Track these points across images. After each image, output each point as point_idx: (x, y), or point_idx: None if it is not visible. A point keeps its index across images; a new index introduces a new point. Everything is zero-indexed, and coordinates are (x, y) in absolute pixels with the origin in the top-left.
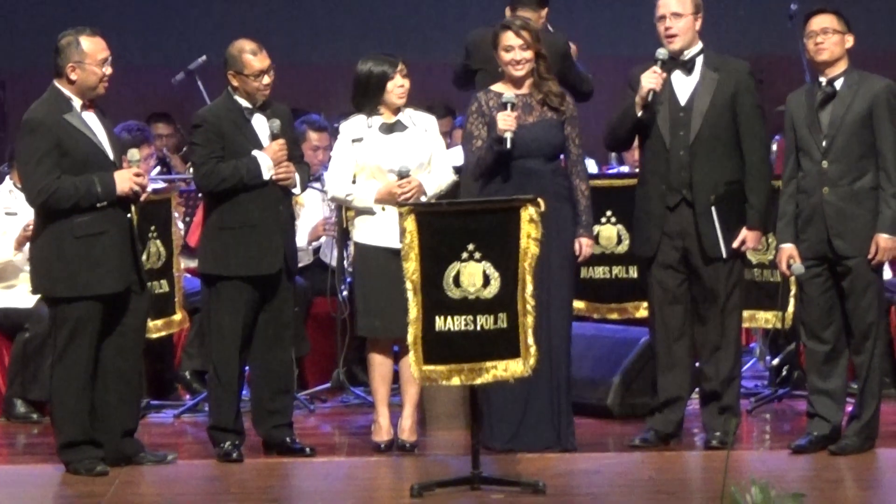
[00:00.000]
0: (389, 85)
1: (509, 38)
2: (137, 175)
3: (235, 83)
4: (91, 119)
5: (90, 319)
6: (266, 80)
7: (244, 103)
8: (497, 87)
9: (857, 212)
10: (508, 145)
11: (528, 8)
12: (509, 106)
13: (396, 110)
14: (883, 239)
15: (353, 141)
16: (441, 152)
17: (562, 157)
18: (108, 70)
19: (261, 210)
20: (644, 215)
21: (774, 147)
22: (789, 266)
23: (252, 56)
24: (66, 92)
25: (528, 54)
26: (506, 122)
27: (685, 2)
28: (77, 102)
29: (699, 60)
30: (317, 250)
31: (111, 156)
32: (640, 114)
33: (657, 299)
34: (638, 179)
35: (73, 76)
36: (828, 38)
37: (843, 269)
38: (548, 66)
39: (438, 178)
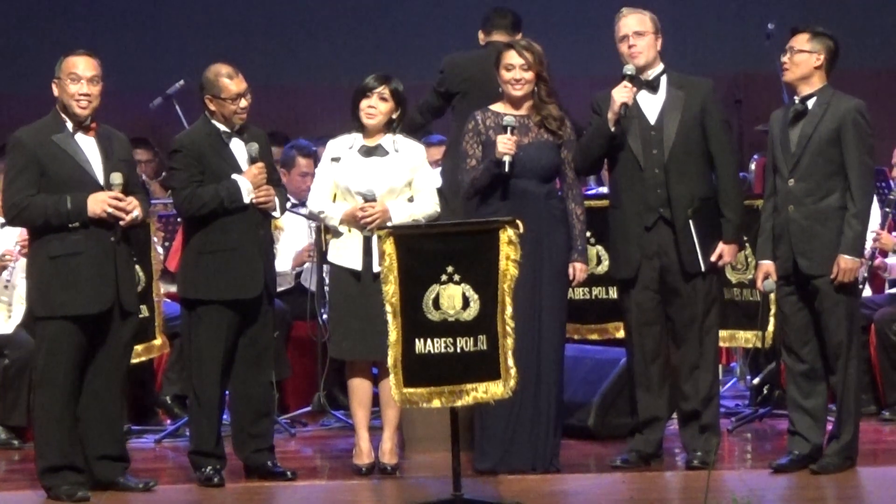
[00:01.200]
0: (363, 102)
1: (511, 56)
2: (116, 199)
3: (212, 107)
4: (85, 142)
5: (66, 340)
6: (243, 103)
7: (222, 127)
8: (496, 106)
9: (821, 231)
10: (506, 169)
11: (502, 31)
12: (509, 129)
13: (379, 134)
14: (844, 260)
15: (333, 160)
16: (426, 182)
17: (557, 180)
18: (79, 88)
19: (241, 234)
20: (621, 237)
21: (753, 166)
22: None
23: (228, 80)
24: (63, 114)
25: (529, 75)
26: (505, 145)
27: (645, 21)
28: (70, 124)
29: (663, 80)
30: (299, 275)
31: (100, 179)
32: (613, 129)
33: (635, 320)
34: (609, 202)
35: (55, 92)
36: (791, 58)
37: (812, 288)
38: (549, 90)
39: (416, 207)
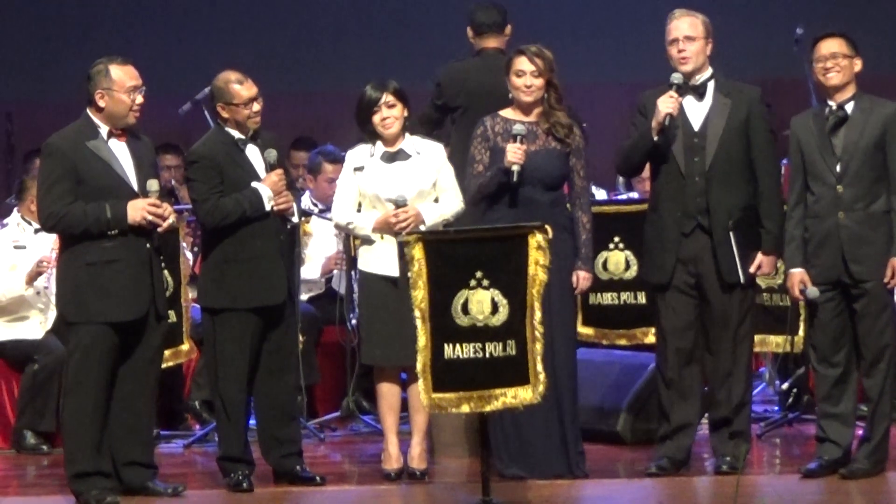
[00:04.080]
0: (375, 118)
1: (522, 62)
2: (154, 206)
3: (225, 115)
4: (118, 148)
5: (101, 346)
6: (256, 107)
7: (236, 135)
8: (505, 112)
9: (873, 236)
10: (515, 178)
11: (494, 34)
12: (518, 139)
13: (397, 138)
14: None
15: (356, 170)
16: (449, 180)
17: (565, 186)
18: (137, 99)
19: (263, 241)
20: (657, 242)
21: (782, 171)
22: (802, 290)
23: (239, 85)
24: (95, 119)
25: (539, 82)
26: (515, 154)
27: (697, 26)
28: (104, 130)
29: (710, 86)
30: (329, 279)
31: (135, 185)
32: (656, 139)
33: (669, 325)
34: (649, 205)
35: (101, 103)
36: (837, 62)
37: (859, 291)
38: (558, 97)
39: (443, 207)
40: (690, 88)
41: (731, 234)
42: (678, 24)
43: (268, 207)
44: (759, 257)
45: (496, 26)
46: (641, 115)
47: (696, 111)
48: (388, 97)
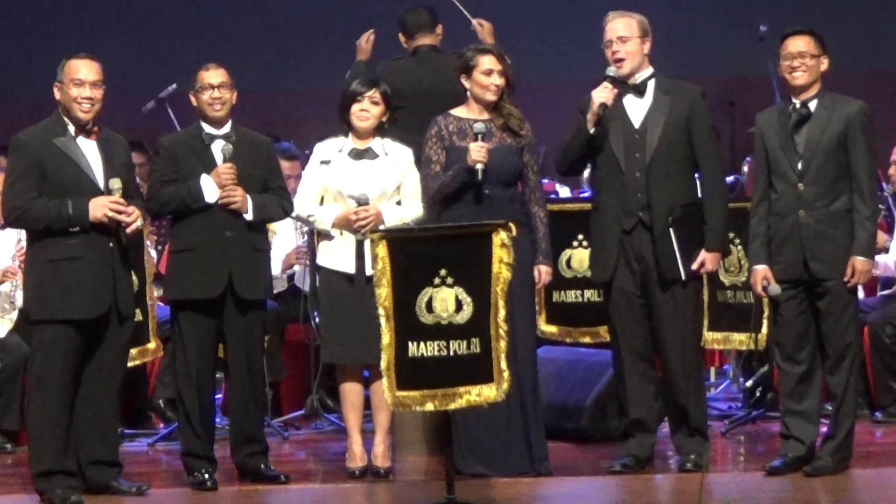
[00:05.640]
0: (354, 107)
1: (492, 62)
2: (116, 203)
3: (194, 102)
4: (87, 146)
5: (64, 344)
6: (216, 93)
7: (207, 128)
8: (458, 111)
9: (833, 234)
10: (479, 176)
11: (425, 31)
12: (480, 137)
13: (369, 137)
14: (859, 262)
15: (322, 163)
16: (414, 185)
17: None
18: (82, 92)
19: (204, 234)
20: (599, 240)
21: (746, 168)
22: (765, 288)
23: (204, 71)
24: (64, 117)
25: (503, 80)
26: (479, 153)
27: (631, 26)
28: (72, 127)
29: (651, 84)
30: (291, 277)
31: (100, 184)
32: (592, 130)
33: (617, 323)
34: (592, 204)
35: (57, 95)
36: (804, 62)
37: (821, 290)
38: (510, 93)
39: (404, 211)
40: (631, 87)
41: (671, 229)
42: (613, 26)
43: (210, 200)
44: (703, 254)
45: (427, 26)
46: (582, 114)
47: (637, 108)
48: (374, 94)
